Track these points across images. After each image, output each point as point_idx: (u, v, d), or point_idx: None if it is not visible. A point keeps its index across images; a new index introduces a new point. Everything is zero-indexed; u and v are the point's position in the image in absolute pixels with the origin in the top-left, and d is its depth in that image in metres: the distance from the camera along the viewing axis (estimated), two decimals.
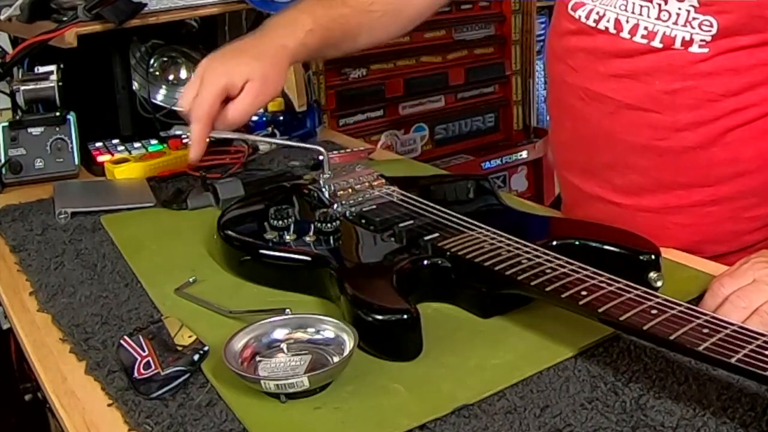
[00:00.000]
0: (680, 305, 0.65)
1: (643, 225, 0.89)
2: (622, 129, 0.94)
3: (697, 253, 0.91)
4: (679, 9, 0.87)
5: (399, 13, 1.14)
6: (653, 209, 0.95)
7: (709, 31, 0.86)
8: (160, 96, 1.52)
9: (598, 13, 0.94)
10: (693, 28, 0.86)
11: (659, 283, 0.76)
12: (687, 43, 0.87)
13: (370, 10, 1.09)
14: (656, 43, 0.89)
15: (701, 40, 0.86)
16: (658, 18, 0.88)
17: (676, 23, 0.87)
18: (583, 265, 0.72)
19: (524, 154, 2.53)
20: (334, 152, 1.04)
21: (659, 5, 0.88)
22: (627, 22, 0.91)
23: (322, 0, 1.07)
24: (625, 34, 0.91)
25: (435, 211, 0.88)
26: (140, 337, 0.74)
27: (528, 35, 2.48)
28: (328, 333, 0.71)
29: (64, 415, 0.68)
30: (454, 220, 0.86)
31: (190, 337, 0.73)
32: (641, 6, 0.89)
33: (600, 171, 0.99)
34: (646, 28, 0.89)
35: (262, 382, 0.65)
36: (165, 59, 1.53)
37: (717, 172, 0.92)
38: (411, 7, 1.14)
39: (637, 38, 0.90)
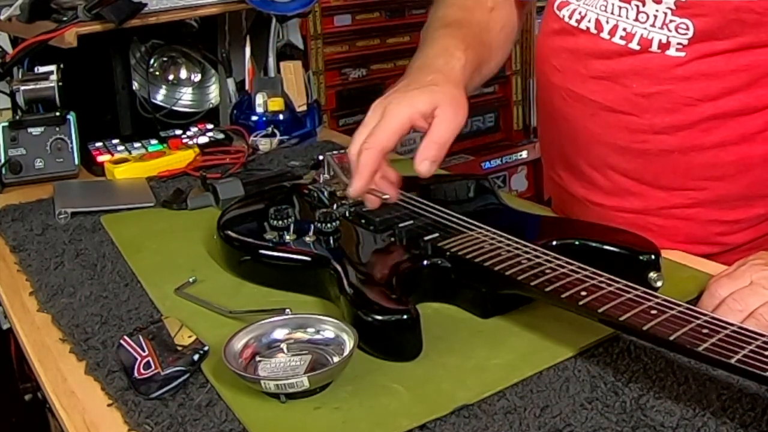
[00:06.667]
0: (680, 305, 0.65)
1: (625, 226, 0.89)
2: (602, 131, 0.94)
3: None
4: (657, 11, 0.87)
5: (511, 30, 1.09)
6: (635, 210, 0.95)
7: (686, 34, 0.85)
8: (160, 96, 1.52)
9: (580, 13, 0.94)
10: (670, 30, 0.86)
11: (659, 283, 0.76)
12: (664, 46, 0.87)
13: (490, 28, 1.04)
14: (634, 45, 0.89)
15: (678, 44, 0.86)
16: (636, 19, 0.88)
17: (653, 25, 0.87)
18: (582, 266, 0.72)
19: (524, 154, 2.53)
20: (335, 152, 1.04)
21: (637, 7, 0.88)
22: (607, 22, 0.91)
23: (451, 27, 0.98)
24: (604, 35, 0.91)
25: (435, 211, 0.88)
26: (140, 337, 0.74)
27: (528, 35, 2.48)
28: (328, 333, 0.71)
29: (64, 415, 0.68)
30: (454, 220, 0.86)
31: (190, 337, 0.73)
32: (620, 7, 0.90)
33: (583, 171, 0.99)
34: (624, 29, 0.89)
35: (262, 382, 0.65)
36: (165, 59, 1.54)
37: (697, 175, 0.91)
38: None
39: (616, 39, 0.90)
